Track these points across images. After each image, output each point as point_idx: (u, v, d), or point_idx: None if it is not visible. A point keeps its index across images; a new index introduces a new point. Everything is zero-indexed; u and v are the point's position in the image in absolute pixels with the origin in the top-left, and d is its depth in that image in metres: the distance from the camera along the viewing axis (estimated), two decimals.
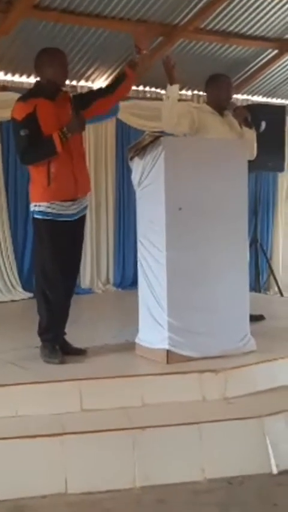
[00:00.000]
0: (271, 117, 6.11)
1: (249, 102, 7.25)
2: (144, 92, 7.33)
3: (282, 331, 4.76)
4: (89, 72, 6.79)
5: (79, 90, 4.36)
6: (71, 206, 3.87)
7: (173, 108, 4.36)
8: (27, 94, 3.87)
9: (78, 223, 3.99)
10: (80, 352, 4.06)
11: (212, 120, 4.61)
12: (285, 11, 6.44)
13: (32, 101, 3.75)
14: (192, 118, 4.53)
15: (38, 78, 3.92)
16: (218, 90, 4.68)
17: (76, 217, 3.93)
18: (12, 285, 6.57)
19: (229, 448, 3.29)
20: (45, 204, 3.83)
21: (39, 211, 3.86)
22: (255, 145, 4.67)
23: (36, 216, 3.89)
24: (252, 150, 4.65)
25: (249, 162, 4.29)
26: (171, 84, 4.34)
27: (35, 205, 3.88)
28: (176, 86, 4.35)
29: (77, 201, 3.91)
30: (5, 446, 3.13)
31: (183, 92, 7.49)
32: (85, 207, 4.01)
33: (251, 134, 4.64)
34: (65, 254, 3.92)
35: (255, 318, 4.82)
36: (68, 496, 3.04)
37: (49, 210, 3.83)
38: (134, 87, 7.17)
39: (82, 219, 4.02)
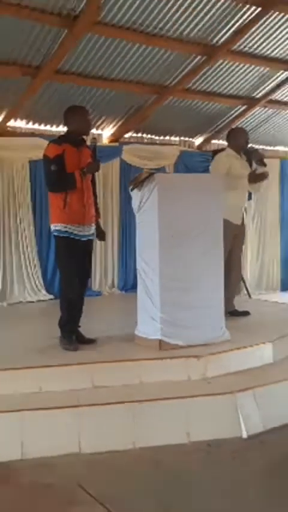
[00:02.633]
0: None
1: (224, 146, 7.26)
2: (142, 137, 7.38)
3: (251, 325, 4.76)
4: (98, 122, 6.83)
5: (91, 137, 4.37)
6: (81, 229, 3.90)
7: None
8: (59, 139, 3.96)
9: (87, 244, 4.01)
10: (91, 342, 4.06)
11: (236, 163, 4.85)
12: (251, 75, 6.51)
13: (63, 145, 3.83)
14: (225, 165, 4.75)
15: (66, 128, 3.98)
16: (238, 137, 4.94)
17: (85, 239, 3.95)
18: (37, 288, 6.55)
19: (209, 417, 3.30)
20: (61, 224, 3.87)
21: (57, 230, 3.91)
22: (266, 181, 4.96)
23: (55, 234, 3.95)
24: (262, 184, 4.95)
25: None
26: (250, 182, 4.81)
27: (54, 226, 3.93)
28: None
29: (86, 226, 3.93)
30: (31, 416, 3.13)
31: (172, 138, 7.54)
32: (92, 234, 4.03)
33: (266, 172, 4.87)
34: (78, 265, 3.94)
35: (242, 313, 4.96)
36: (82, 455, 3.04)
37: (65, 229, 3.87)
38: (134, 134, 7.24)
39: (91, 241, 4.05)
